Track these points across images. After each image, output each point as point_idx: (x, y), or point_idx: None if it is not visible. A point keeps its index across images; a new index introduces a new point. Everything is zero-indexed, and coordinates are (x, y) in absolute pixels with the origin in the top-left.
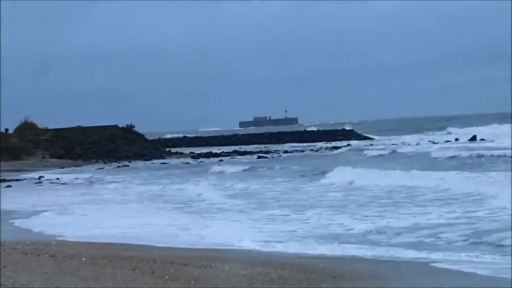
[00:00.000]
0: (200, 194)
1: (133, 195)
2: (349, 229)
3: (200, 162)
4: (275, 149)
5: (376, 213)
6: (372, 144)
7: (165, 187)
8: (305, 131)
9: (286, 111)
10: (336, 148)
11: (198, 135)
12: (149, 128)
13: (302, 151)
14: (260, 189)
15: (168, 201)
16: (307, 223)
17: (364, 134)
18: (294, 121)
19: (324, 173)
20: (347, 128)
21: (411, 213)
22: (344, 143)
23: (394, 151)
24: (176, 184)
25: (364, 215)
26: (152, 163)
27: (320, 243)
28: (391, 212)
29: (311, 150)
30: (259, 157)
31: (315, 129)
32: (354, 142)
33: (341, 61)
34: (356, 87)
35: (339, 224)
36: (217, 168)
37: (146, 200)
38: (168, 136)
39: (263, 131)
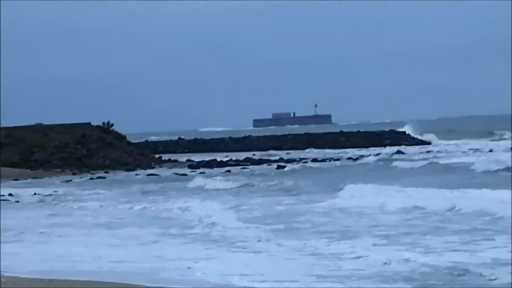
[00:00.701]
0: (208, 217)
1: (115, 217)
2: (402, 264)
3: (201, 173)
4: (300, 156)
5: (442, 243)
6: (429, 151)
7: (158, 207)
8: (341, 132)
9: (315, 106)
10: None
11: (198, 137)
12: (133, 128)
13: (337, 159)
14: (287, 210)
15: (164, 226)
16: (350, 257)
17: (420, 137)
18: (326, 119)
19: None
20: (398, 129)
21: (490, 244)
22: (393, 149)
23: (432, 162)
24: (173, 202)
25: (426, 246)
26: (137, 175)
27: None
28: (460, 243)
29: (349, 158)
30: (279, 167)
31: (354, 130)
32: (406, 148)
33: (386, 44)
34: (408, 76)
35: (391, 258)
36: (224, 182)
37: (134, 224)
38: (155, 138)
39: (285, 132)
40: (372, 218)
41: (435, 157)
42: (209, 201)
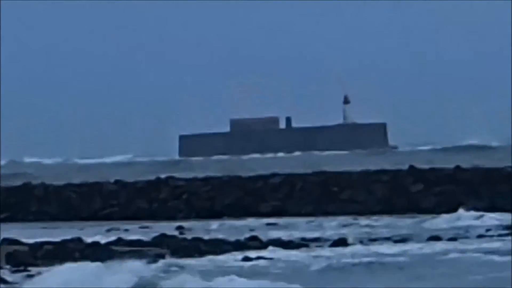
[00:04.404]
0: None
1: None
2: None
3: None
4: (300, 233)
5: None
6: None
7: None
8: (413, 170)
9: (345, 102)
10: None
11: (32, 180)
12: None
13: (403, 240)
14: None
15: None
16: None
17: None
18: (374, 134)
19: None
20: None
21: None
22: None
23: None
24: None
25: None
26: None
27: None
28: None
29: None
30: (245, 259)
31: (447, 164)
32: None
33: None
34: None
35: None
36: None
37: None
38: None
39: (263, 171)
40: None
41: None
42: None
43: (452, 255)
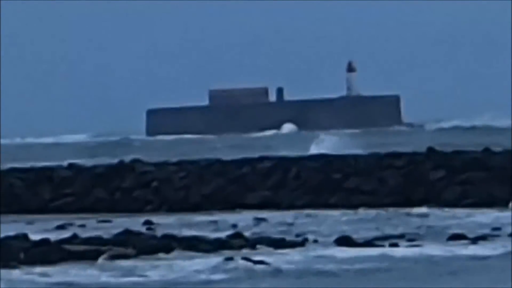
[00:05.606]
0: None
1: None
2: None
3: None
4: (301, 226)
5: None
6: None
7: None
8: (433, 153)
9: (349, 70)
10: None
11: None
12: None
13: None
14: None
15: None
16: None
17: None
18: (386, 109)
19: None
20: None
21: None
22: None
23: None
24: None
25: None
26: None
27: None
28: None
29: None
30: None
31: (475, 147)
32: None
33: None
34: None
35: None
36: None
37: None
38: None
39: (250, 153)
40: None
41: None
42: None
43: (477, 260)
